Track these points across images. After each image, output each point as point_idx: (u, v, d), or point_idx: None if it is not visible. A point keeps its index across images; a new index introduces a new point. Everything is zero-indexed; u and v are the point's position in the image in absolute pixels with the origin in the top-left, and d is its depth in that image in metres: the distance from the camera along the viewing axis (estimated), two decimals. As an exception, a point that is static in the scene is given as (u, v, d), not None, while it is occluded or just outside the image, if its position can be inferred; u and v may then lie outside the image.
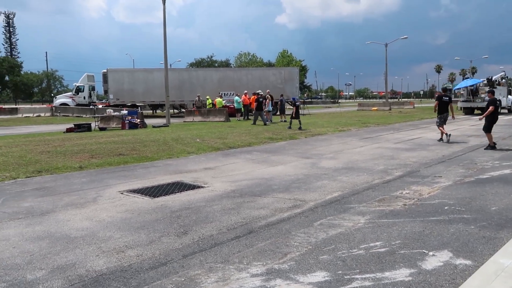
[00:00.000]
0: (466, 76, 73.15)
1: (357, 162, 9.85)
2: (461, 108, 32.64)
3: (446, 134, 13.39)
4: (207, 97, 31.63)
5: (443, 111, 13.59)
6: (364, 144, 13.57)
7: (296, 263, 3.97)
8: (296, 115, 19.40)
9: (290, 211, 5.77)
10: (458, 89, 39.43)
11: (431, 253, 4.15)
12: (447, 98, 13.75)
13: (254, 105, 24.16)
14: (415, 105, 50.29)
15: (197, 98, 31.42)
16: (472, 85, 33.39)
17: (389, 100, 58.67)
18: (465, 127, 19.17)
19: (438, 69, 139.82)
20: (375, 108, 44.06)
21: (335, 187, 7.24)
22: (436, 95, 16.87)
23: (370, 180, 7.83)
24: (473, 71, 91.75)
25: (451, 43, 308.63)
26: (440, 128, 13.71)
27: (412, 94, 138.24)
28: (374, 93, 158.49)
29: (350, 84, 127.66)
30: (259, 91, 25.72)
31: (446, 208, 5.81)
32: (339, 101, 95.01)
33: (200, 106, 30.58)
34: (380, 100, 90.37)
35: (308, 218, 5.45)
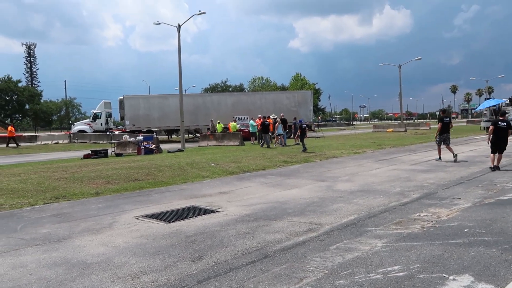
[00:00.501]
0: (486, 97, 72.86)
1: (373, 185, 9.74)
2: (484, 127, 32.75)
3: (439, 157, 14.14)
4: (218, 121, 31.93)
5: (444, 131, 14.10)
6: (380, 166, 13.44)
7: (312, 288, 3.90)
8: (300, 137, 19.57)
9: (306, 235, 5.71)
10: (481, 109, 39.50)
11: (451, 277, 4.04)
12: (448, 119, 14.36)
13: (260, 128, 24.40)
14: (431, 126, 49.75)
15: (211, 122, 31.77)
16: (495, 105, 33.42)
17: (405, 121, 58.23)
18: (483, 147, 18.82)
19: (454, 90, 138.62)
20: (391, 130, 43.78)
21: (351, 210, 7.15)
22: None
23: (387, 202, 7.72)
24: (490, 91, 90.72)
25: (466, 62, 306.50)
26: (439, 147, 14.35)
27: (428, 115, 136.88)
28: (389, 115, 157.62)
29: (365, 106, 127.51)
30: (273, 115, 25.91)
31: (466, 230, 5.67)
32: (354, 123, 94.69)
33: (214, 130, 30.87)
34: (395, 121, 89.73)
35: (324, 242, 5.38)
